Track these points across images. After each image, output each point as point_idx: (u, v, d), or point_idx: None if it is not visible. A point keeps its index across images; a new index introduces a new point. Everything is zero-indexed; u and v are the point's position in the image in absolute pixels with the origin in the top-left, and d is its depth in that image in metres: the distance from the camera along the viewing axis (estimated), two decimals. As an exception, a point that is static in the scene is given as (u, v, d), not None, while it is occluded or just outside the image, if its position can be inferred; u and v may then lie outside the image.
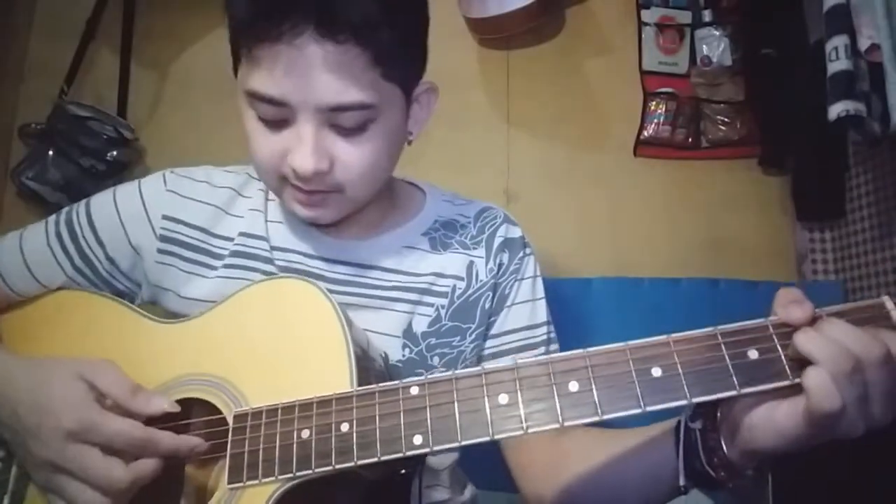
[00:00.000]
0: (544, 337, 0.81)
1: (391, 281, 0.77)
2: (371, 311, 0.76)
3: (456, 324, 0.78)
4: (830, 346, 0.46)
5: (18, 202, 1.82)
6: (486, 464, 0.81)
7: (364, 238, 0.79)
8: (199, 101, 1.85)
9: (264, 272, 0.76)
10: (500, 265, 0.81)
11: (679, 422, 0.57)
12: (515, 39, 1.87)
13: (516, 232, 0.84)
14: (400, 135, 0.73)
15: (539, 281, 0.83)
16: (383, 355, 0.74)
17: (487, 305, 0.80)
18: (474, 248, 0.81)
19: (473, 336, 0.79)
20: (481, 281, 0.80)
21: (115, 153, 1.79)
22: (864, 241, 1.64)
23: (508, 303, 0.81)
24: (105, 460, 0.58)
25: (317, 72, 0.62)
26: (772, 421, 0.49)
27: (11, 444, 0.65)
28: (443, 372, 0.76)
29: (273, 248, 0.77)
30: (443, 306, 0.78)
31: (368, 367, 0.64)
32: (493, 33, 1.85)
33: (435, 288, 0.78)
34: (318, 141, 0.65)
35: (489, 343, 0.81)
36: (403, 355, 0.76)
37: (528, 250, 0.84)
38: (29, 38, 1.96)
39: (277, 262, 0.76)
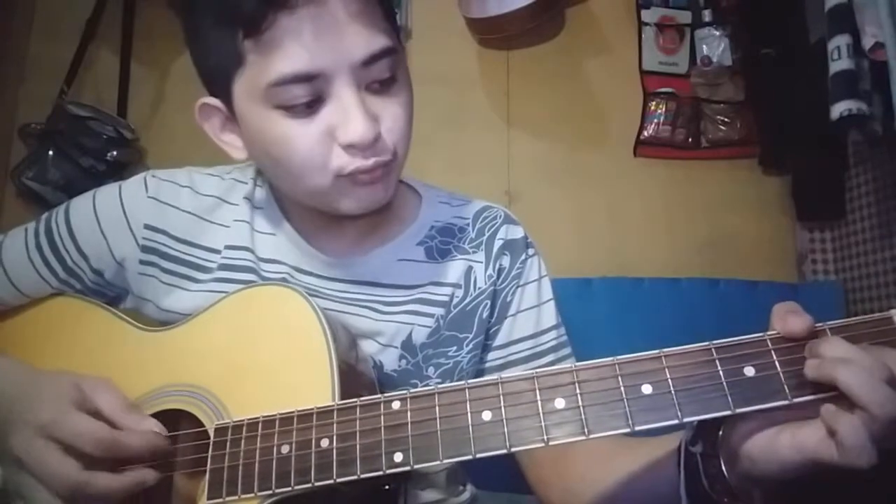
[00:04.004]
0: (552, 343, 0.77)
1: (387, 296, 0.75)
2: (368, 322, 0.73)
3: (453, 333, 0.75)
4: (881, 389, 0.42)
5: (18, 202, 1.82)
6: (487, 464, 0.80)
7: (357, 254, 0.75)
8: (199, 101, 1.85)
9: (251, 283, 0.73)
10: (501, 270, 0.78)
11: (681, 442, 0.54)
12: (515, 39, 1.87)
13: (518, 232, 0.80)
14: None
15: (545, 283, 0.80)
16: (377, 364, 0.73)
17: (485, 314, 0.76)
18: (473, 252, 0.78)
19: (470, 346, 0.76)
20: (479, 288, 0.77)
21: (115, 153, 1.79)
22: (864, 241, 1.64)
23: (512, 311, 0.77)
24: (61, 460, 0.55)
25: (343, 25, 0.61)
26: (773, 451, 0.46)
27: None
28: (438, 384, 0.75)
29: (260, 260, 0.74)
30: (441, 316, 0.75)
31: (355, 379, 0.63)
32: (493, 33, 1.84)
33: (433, 297, 0.75)
34: (363, 104, 0.62)
35: (494, 354, 0.77)
36: (399, 366, 0.74)
37: (530, 251, 0.80)
38: (29, 38, 1.96)
39: (265, 274, 0.74)
